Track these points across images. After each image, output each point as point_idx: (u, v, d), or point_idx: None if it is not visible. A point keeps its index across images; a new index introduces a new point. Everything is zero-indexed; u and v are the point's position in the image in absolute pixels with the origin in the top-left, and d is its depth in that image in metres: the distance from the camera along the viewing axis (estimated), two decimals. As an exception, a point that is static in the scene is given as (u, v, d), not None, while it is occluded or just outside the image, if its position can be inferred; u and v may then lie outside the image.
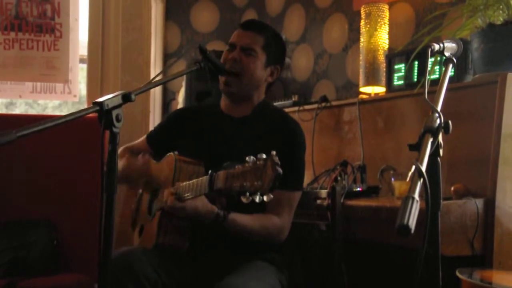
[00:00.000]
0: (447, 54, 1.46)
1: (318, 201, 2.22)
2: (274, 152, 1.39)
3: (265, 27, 2.08)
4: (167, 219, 1.84)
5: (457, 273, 1.73)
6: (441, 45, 1.44)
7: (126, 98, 1.37)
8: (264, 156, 1.40)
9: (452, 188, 2.06)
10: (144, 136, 2.23)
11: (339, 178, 2.35)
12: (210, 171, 1.58)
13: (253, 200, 1.40)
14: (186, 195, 1.72)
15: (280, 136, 1.96)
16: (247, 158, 1.43)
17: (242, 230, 1.81)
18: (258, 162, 1.39)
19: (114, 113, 1.33)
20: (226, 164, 1.53)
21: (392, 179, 2.27)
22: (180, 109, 2.39)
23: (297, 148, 1.99)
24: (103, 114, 1.32)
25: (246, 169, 1.42)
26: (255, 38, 1.99)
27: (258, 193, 1.39)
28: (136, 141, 2.25)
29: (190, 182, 1.73)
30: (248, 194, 1.41)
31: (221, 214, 1.75)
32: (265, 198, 1.40)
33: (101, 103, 1.32)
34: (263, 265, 1.88)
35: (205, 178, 1.62)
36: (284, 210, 1.90)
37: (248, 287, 1.67)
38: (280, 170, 1.36)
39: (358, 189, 2.30)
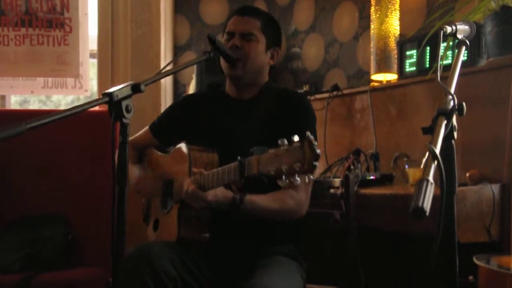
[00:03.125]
0: (459, 36, 1.43)
1: (332, 190, 2.21)
2: (308, 132, 1.35)
3: (260, 11, 2.07)
4: (186, 212, 1.82)
5: (474, 260, 1.71)
6: (454, 27, 1.41)
7: (135, 88, 1.37)
8: (297, 137, 1.38)
9: (468, 174, 2.03)
10: (147, 128, 2.18)
11: (352, 166, 2.34)
12: (239, 158, 1.55)
13: (291, 182, 1.38)
14: (210, 184, 1.68)
15: (290, 111, 1.94)
16: (279, 141, 1.40)
17: (262, 209, 1.77)
18: (294, 144, 1.37)
19: (124, 104, 1.33)
20: (254, 149, 1.49)
21: (406, 166, 2.25)
22: (185, 96, 2.33)
23: (308, 120, 1.96)
24: (113, 105, 1.32)
25: (281, 152, 1.39)
26: (253, 22, 1.98)
27: (296, 175, 1.37)
28: (138, 134, 2.20)
29: (214, 170, 1.69)
30: (284, 177, 1.38)
31: (237, 198, 1.72)
32: (306, 179, 1.37)
33: (110, 94, 1.32)
34: (284, 261, 1.86)
35: (233, 166, 1.58)
36: (300, 184, 1.86)
37: (272, 286, 1.64)
38: (318, 151, 1.33)
39: (372, 177, 2.28)
